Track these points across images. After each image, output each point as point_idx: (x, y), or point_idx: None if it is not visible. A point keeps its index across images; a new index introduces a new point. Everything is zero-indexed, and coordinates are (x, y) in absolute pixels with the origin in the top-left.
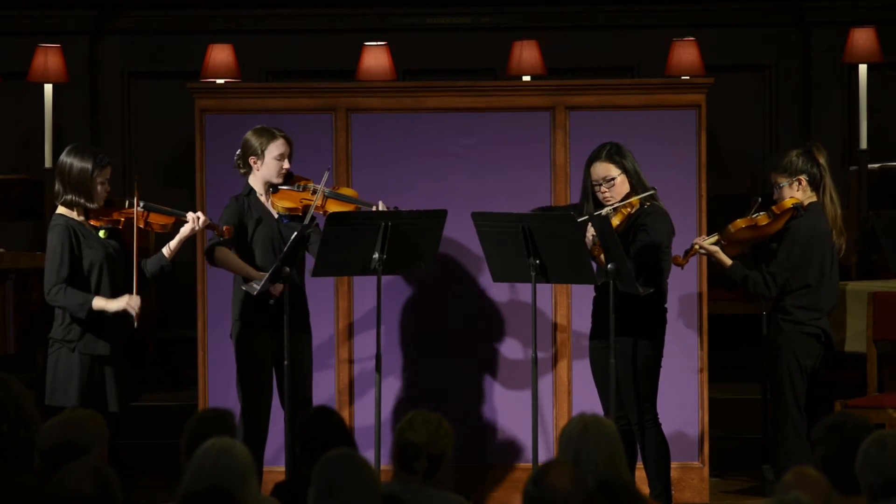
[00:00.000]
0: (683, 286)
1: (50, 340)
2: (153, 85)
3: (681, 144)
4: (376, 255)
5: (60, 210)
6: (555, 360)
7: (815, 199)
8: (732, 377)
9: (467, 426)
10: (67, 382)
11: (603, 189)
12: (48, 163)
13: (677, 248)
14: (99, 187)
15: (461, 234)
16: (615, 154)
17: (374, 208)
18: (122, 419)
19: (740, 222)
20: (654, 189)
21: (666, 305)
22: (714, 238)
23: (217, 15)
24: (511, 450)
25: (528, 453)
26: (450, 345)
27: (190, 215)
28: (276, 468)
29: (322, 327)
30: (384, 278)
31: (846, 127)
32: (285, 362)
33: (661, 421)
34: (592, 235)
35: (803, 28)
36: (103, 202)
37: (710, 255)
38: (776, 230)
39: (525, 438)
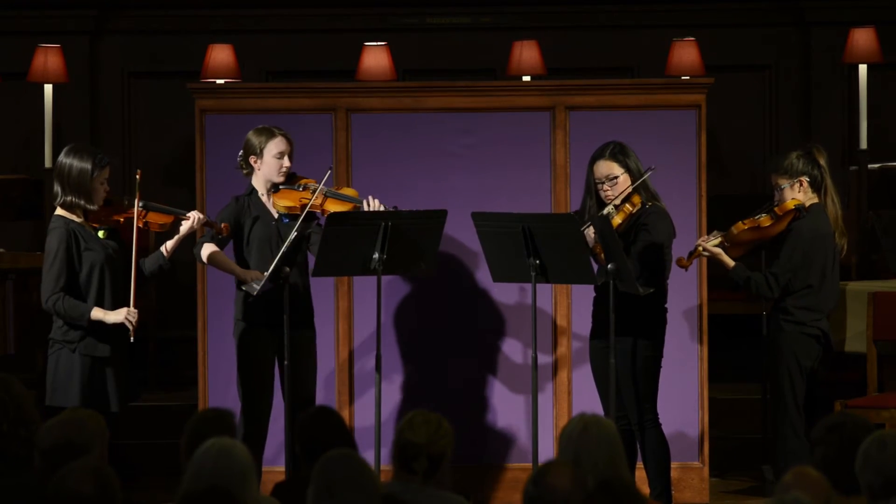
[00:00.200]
0: (684, 286)
1: (50, 341)
2: (153, 85)
3: (681, 144)
4: (376, 255)
5: (59, 212)
6: (555, 361)
7: (816, 200)
8: (732, 377)
9: (467, 426)
10: (68, 383)
11: (605, 187)
12: (48, 163)
13: (678, 248)
14: (98, 188)
15: (461, 234)
16: (618, 153)
17: (365, 203)
18: (122, 419)
19: (743, 224)
20: (653, 168)
21: (666, 305)
22: (718, 240)
23: (217, 15)
24: (511, 450)
25: (528, 453)
26: (450, 345)
27: (189, 214)
28: (276, 468)
29: (322, 327)
30: (384, 278)
31: (846, 127)
32: (285, 362)
33: (661, 421)
34: (594, 234)
35: (803, 28)
36: (102, 202)
37: (714, 257)
38: (779, 231)
39: (525, 438)
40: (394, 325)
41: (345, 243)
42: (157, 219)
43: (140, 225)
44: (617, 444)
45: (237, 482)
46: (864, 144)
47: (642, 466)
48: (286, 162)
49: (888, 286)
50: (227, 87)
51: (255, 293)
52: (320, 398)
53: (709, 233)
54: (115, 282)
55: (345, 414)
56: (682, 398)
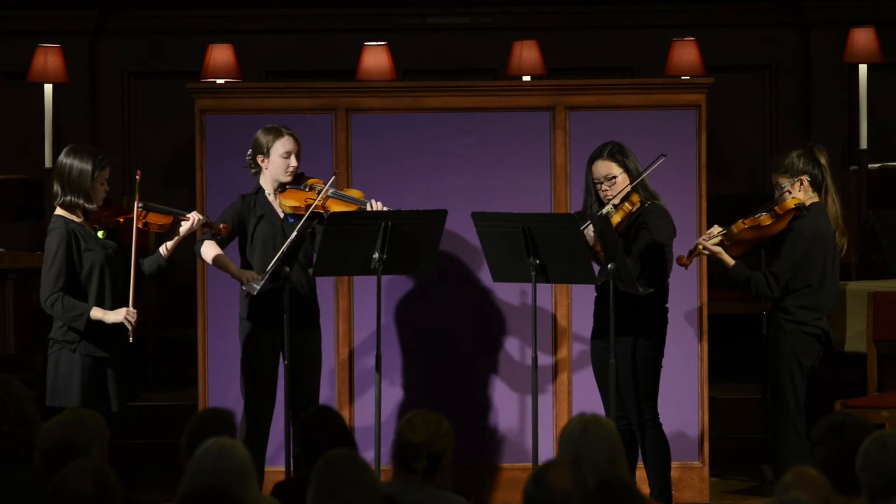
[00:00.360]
0: (684, 286)
1: (50, 341)
2: (153, 85)
3: (681, 144)
4: (376, 255)
5: (59, 212)
6: (555, 361)
7: (816, 199)
8: (732, 377)
9: (467, 426)
10: (68, 383)
11: (604, 187)
12: (48, 163)
13: (678, 249)
14: (98, 188)
15: (461, 234)
16: (617, 153)
17: (368, 206)
18: (122, 419)
19: (743, 223)
20: (665, 155)
21: (667, 305)
22: (718, 238)
23: (217, 15)
24: (511, 450)
25: (528, 453)
26: (450, 345)
27: (189, 215)
28: (276, 468)
29: (322, 327)
30: (384, 278)
31: (846, 127)
32: (286, 362)
33: (661, 421)
34: (594, 234)
35: (803, 28)
36: (102, 202)
37: (714, 256)
38: (779, 230)
39: (525, 438)
40: (394, 325)
41: (345, 243)
42: (156, 219)
43: (140, 225)
44: (617, 444)
45: (237, 482)
46: (864, 144)
47: (642, 466)
48: (293, 161)
49: (888, 286)
50: (227, 87)
51: (254, 293)
52: (321, 398)
53: (709, 227)
54: (114, 282)
55: (345, 414)
56: (682, 398)
